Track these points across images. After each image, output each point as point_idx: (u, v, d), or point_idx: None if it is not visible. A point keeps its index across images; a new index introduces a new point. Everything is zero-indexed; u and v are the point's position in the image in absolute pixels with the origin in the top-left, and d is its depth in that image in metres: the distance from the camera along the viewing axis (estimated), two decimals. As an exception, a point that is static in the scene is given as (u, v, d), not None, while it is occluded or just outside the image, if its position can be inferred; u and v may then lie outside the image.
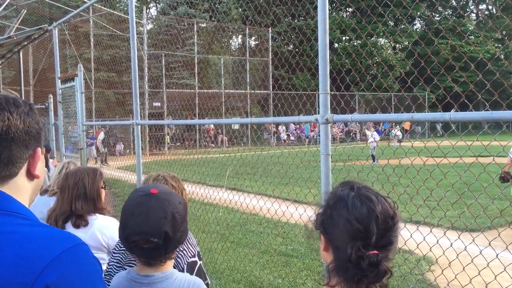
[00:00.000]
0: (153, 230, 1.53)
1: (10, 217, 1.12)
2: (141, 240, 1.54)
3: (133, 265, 2.15)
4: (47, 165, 6.95)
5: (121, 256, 2.26)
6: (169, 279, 1.62)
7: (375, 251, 1.26)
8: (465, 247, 3.20)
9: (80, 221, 2.75)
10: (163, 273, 1.62)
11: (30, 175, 1.23)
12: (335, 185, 1.50)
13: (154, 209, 1.56)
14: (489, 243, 3.13)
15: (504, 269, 2.91)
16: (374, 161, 17.52)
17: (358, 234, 1.28)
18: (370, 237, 1.27)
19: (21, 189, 1.21)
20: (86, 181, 2.81)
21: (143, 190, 1.67)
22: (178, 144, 28.51)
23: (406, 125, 34.27)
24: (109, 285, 2.06)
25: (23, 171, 1.21)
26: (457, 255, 3.24)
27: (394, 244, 1.32)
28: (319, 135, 2.87)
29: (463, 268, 3.21)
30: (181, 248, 2.17)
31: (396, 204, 1.40)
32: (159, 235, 1.53)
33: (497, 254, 2.97)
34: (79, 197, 2.78)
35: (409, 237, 3.55)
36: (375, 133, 19.72)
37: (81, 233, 2.59)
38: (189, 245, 2.21)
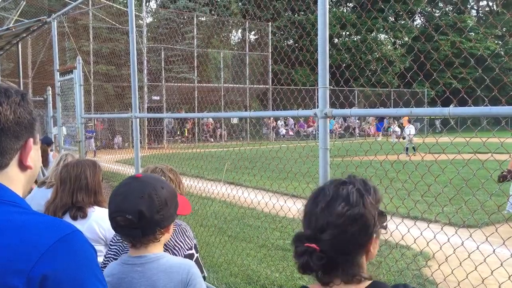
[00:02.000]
0: (128, 207, 1.62)
1: (3, 205, 1.11)
2: (119, 217, 1.64)
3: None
4: (47, 158, 6.94)
5: (118, 248, 2.26)
6: (161, 259, 1.69)
7: (311, 244, 1.29)
8: (462, 242, 3.21)
9: (79, 213, 2.75)
10: (155, 254, 1.69)
11: (23, 166, 1.22)
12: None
13: (133, 189, 1.66)
14: (486, 239, 3.14)
15: (501, 264, 2.92)
16: (407, 152, 17.99)
17: (304, 225, 1.39)
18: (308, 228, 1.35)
19: (12, 179, 1.19)
20: (87, 173, 2.81)
21: (131, 176, 1.80)
22: (177, 138, 28.51)
23: (405, 121, 34.28)
24: None
25: (14, 161, 1.20)
26: (454, 250, 3.24)
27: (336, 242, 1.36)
28: (318, 130, 2.87)
29: (460, 264, 3.22)
30: (178, 241, 2.18)
31: (377, 202, 1.37)
32: (134, 213, 1.61)
33: (494, 250, 2.98)
34: (80, 189, 2.78)
35: (407, 232, 3.56)
36: (411, 126, 20.29)
37: (78, 225, 2.57)
38: (186, 238, 2.22)
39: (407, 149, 18.86)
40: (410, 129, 20.01)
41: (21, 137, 1.19)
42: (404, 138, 21.78)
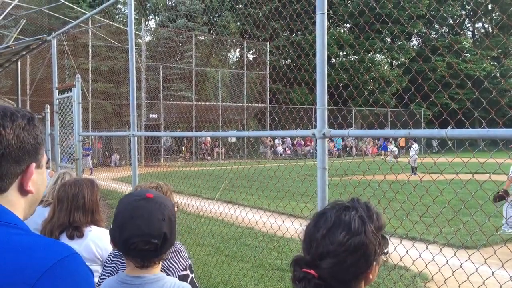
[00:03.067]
0: (153, 231, 1.60)
1: (3, 227, 1.11)
2: (141, 242, 1.59)
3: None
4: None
5: (113, 269, 2.24)
6: (160, 281, 1.66)
7: (309, 270, 1.30)
8: (461, 264, 3.18)
9: (76, 232, 2.72)
10: (154, 275, 1.66)
11: (23, 191, 1.21)
12: (331, 200, 1.49)
13: (153, 212, 1.63)
14: (485, 261, 3.12)
15: (500, 287, 2.90)
16: (414, 173, 18.05)
17: (303, 248, 1.39)
18: (307, 253, 1.36)
19: (13, 203, 1.19)
20: (85, 193, 2.79)
21: (138, 194, 1.73)
22: (175, 156, 28.49)
23: (402, 142, 34.35)
24: None
25: (15, 186, 1.19)
26: (453, 272, 3.22)
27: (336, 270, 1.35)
28: (316, 150, 2.87)
29: (459, 286, 3.19)
30: (172, 262, 2.16)
31: (377, 229, 1.35)
32: (159, 236, 1.60)
33: (493, 272, 2.96)
34: (77, 208, 2.76)
35: (405, 253, 3.54)
36: (415, 145, 20.48)
37: (75, 245, 2.56)
38: (181, 258, 2.20)
39: (414, 168, 18.98)
40: (415, 149, 20.28)
41: (22, 162, 1.18)
42: (396, 158, 21.98)
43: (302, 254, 1.35)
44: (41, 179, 1.26)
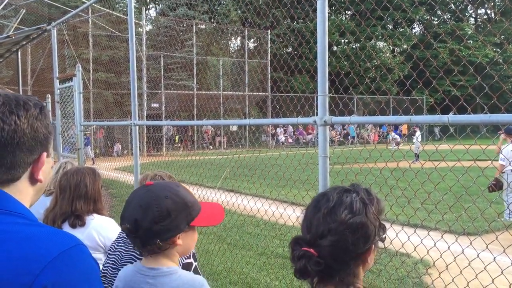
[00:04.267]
0: (127, 216, 1.60)
1: (9, 216, 1.11)
2: (122, 225, 1.63)
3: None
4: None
5: (117, 257, 2.25)
6: (173, 275, 1.63)
7: (308, 249, 1.28)
8: (463, 250, 3.19)
9: (78, 221, 2.74)
10: (168, 268, 1.63)
11: (33, 179, 1.22)
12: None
13: (135, 198, 1.63)
14: (487, 247, 3.13)
15: (502, 272, 2.91)
16: (417, 159, 18.13)
17: (303, 229, 1.37)
18: (308, 233, 1.34)
19: (21, 192, 1.19)
20: (87, 181, 2.80)
21: (144, 184, 1.75)
22: (177, 145, 28.53)
23: (404, 129, 34.31)
24: (106, 285, 2.06)
25: (26, 175, 1.19)
26: (454, 258, 3.23)
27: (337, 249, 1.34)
28: (317, 138, 2.86)
29: (460, 272, 3.21)
30: None
31: (376, 209, 1.36)
32: (130, 222, 1.57)
33: (494, 258, 2.97)
34: (80, 197, 2.77)
35: (407, 240, 3.55)
36: (418, 132, 20.62)
37: (77, 233, 2.57)
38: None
39: (416, 155, 19.01)
40: (418, 136, 20.30)
41: (35, 151, 1.19)
42: (398, 145, 22.03)
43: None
44: (48, 167, 1.27)
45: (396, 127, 33.97)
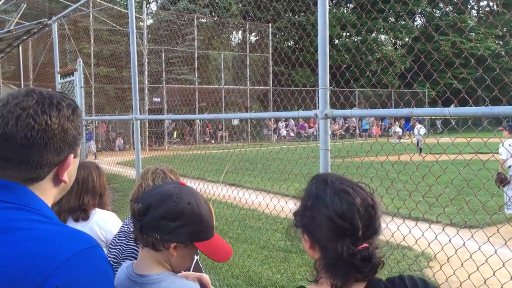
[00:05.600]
0: (145, 198, 1.52)
1: (30, 213, 1.11)
2: (133, 203, 1.53)
3: (131, 260, 2.15)
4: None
5: (118, 251, 2.26)
6: (163, 282, 1.51)
7: (365, 245, 1.24)
8: (464, 243, 3.20)
9: (81, 214, 2.75)
10: (158, 275, 1.51)
11: (57, 180, 1.21)
12: (308, 181, 1.47)
13: (163, 188, 1.55)
14: (488, 239, 3.13)
15: (503, 265, 2.91)
16: (419, 151, 18.19)
17: (344, 231, 1.25)
18: (356, 232, 1.25)
19: (44, 191, 1.19)
20: (94, 176, 2.82)
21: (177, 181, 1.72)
22: (178, 139, 28.54)
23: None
24: None
25: (50, 175, 1.19)
26: (456, 251, 3.23)
27: (379, 232, 1.30)
28: (319, 131, 2.86)
29: (462, 264, 3.21)
30: None
31: (372, 189, 1.36)
32: (144, 204, 1.49)
33: (495, 250, 2.97)
34: (87, 191, 2.78)
35: (408, 233, 3.55)
36: (421, 126, 20.62)
37: (80, 227, 2.58)
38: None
39: (419, 149, 19.00)
40: (419, 129, 20.27)
41: (62, 152, 1.18)
42: (400, 138, 21.98)
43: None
44: (74, 168, 1.26)
45: (406, 121, 33.78)
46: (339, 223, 1.26)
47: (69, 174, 1.23)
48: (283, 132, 33.53)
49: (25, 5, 19.01)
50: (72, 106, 1.21)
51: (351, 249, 1.23)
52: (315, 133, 32.04)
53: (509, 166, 7.98)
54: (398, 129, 28.17)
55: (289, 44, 38.19)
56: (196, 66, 29.17)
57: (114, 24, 24.36)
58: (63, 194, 1.30)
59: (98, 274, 1.07)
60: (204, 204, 1.59)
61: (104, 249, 2.70)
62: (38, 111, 1.13)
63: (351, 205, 1.27)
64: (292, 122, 34.75)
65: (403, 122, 33.17)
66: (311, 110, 2.92)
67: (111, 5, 23.74)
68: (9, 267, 1.00)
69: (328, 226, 1.28)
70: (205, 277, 1.75)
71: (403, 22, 43.12)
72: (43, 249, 1.03)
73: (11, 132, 1.11)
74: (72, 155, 1.21)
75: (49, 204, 1.20)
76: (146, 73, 25.26)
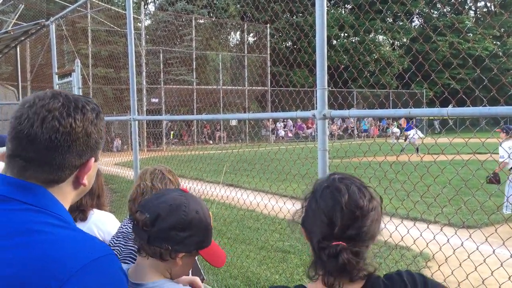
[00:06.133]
0: (152, 207, 1.47)
1: (47, 216, 1.11)
2: (138, 213, 1.48)
3: (128, 262, 2.15)
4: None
5: (116, 252, 2.25)
6: None
7: (340, 243, 1.24)
8: (462, 243, 3.20)
9: (79, 215, 2.75)
10: (153, 283, 1.48)
11: (77, 183, 1.21)
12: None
13: (169, 196, 1.52)
14: (486, 239, 3.13)
15: (501, 265, 2.91)
16: (417, 153, 18.27)
17: (323, 226, 1.28)
18: (333, 227, 1.26)
19: (64, 194, 1.19)
20: None
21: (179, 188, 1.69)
22: (176, 140, 28.52)
23: (403, 123, 34.24)
24: None
25: (71, 178, 1.19)
26: (454, 251, 3.24)
27: (363, 235, 1.28)
28: (317, 132, 2.87)
29: (460, 264, 3.21)
30: None
31: (377, 194, 1.37)
32: (152, 214, 1.45)
33: (493, 250, 2.97)
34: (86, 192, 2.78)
35: (406, 233, 3.56)
36: (418, 131, 20.75)
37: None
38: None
39: (416, 149, 19.01)
40: (414, 133, 20.25)
41: (84, 155, 1.18)
42: (405, 139, 21.94)
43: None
44: (94, 172, 1.27)
45: (408, 122, 33.80)
46: (321, 218, 1.28)
47: (89, 178, 1.24)
48: (281, 132, 33.53)
49: (23, 6, 18.95)
50: (96, 110, 1.21)
51: (322, 243, 1.25)
52: (313, 134, 32.04)
53: (510, 169, 7.99)
54: (396, 130, 28.17)
55: (287, 44, 38.19)
56: (194, 67, 29.16)
57: (112, 25, 24.32)
58: (80, 197, 1.31)
59: (113, 283, 1.07)
60: (207, 210, 1.59)
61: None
62: (64, 114, 1.13)
63: (336, 202, 1.28)
64: (290, 122, 34.75)
65: (404, 126, 33.18)
66: (309, 110, 2.92)
67: (109, 6, 23.69)
68: (25, 270, 0.99)
69: (313, 219, 1.31)
70: (197, 280, 1.73)
71: (401, 23, 43.21)
72: (58, 254, 1.02)
73: (36, 133, 1.11)
74: (93, 159, 1.22)
75: (67, 207, 1.21)
76: (144, 74, 25.24)
